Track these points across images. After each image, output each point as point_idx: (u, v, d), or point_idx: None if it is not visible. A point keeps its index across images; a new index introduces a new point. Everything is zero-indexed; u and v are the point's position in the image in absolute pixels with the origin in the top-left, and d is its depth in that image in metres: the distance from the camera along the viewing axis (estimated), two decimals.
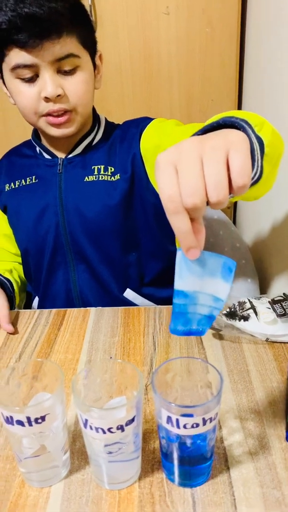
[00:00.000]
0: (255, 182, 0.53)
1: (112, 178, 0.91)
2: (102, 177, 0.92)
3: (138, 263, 0.98)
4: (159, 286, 1.01)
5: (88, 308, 0.88)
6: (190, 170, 0.40)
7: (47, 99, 0.82)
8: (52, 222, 0.94)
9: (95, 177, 0.92)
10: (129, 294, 0.97)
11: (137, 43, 1.44)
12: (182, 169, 0.40)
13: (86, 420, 0.47)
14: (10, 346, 0.78)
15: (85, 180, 0.92)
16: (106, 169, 0.92)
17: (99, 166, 0.92)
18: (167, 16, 1.41)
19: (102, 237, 0.94)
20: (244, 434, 0.59)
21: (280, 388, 0.66)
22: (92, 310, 0.87)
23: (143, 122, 0.93)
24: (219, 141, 0.41)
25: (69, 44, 0.80)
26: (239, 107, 1.52)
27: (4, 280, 0.95)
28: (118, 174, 0.91)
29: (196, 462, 0.52)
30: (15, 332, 0.82)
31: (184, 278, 0.44)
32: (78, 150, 0.94)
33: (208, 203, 0.41)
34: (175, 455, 0.51)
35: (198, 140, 0.42)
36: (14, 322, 0.84)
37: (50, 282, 1.00)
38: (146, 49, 1.45)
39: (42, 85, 0.81)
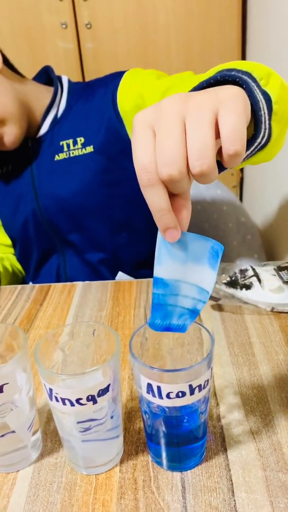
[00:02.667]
0: (263, 146, 0.45)
1: (84, 150, 0.82)
2: (72, 153, 0.82)
3: (129, 244, 0.90)
4: (153, 266, 0.93)
5: (75, 282, 0.80)
6: (168, 134, 0.32)
7: None
8: (28, 210, 0.86)
9: (66, 154, 0.83)
10: (121, 277, 0.89)
11: (131, 10, 1.37)
12: (159, 133, 0.33)
13: (51, 390, 0.39)
14: None
15: (55, 159, 0.83)
16: (75, 142, 0.82)
17: (67, 141, 0.83)
18: None
19: (85, 219, 0.85)
20: (245, 411, 0.51)
21: (286, 361, 0.57)
22: (79, 284, 0.79)
23: (113, 80, 0.83)
24: (207, 98, 0.33)
25: None
26: None
27: None
28: (91, 146, 0.82)
29: (186, 442, 0.44)
30: None
31: (164, 264, 0.37)
32: (44, 128, 0.85)
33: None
34: (161, 434, 0.43)
35: (182, 97, 0.34)
36: None
37: (41, 269, 0.94)
38: (141, 16, 1.38)
39: None
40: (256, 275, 0.70)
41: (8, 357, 0.47)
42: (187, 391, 0.39)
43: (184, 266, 0.37)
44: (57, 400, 0.40)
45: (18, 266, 0.99)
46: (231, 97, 0.33)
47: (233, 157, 0.32)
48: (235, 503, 0.41)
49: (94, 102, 0.83)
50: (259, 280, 0.69)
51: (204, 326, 0.42)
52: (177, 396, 0.39)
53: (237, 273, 0.72)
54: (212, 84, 0.42)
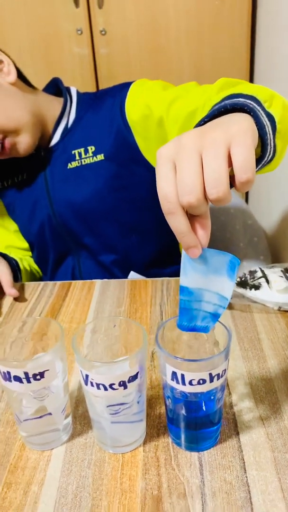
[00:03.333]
0: (269, 162, 0.50)
1: (95, 158, 0.86)
2: (84, 161, 0.87)
3: (140, 246, 0.95)
4: (164, 265, 0.98)
5: (94, 280, 0.86)
6: (187, 167, 0.37)
7: None
8: (44, 215, 0.91)
9: (78, 163, 0.87)
10: (133, 276, 0.95)
11: (145, 17, 1.42)
12: (179, 166, 0.38)
13: (87, 376, 0.45)
14: (13, 316, 0.76)
15: (68, 167, 0.88)
16: (86, 151, 0.87)
17: (79, 150, 0.87)
18: None
19: (97, 223, 0.90)
20: (255, 400, 0.56)
21: None
22: (98, 282, 0.85)
23: (121, 91, 0.87)
24: (220, 134, 0.38)
25: None
26: (251, 82, 1.49)
27: (9, 257, 0.94)
28: (102, 154, 0.86)
29: (203, 425, 0.49)
30: (21, 299, 0.80)
31: (188, 275, 0.42)
32: (56, 138, 0.89)
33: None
34: (181, 418, 0.48)
35: (198, 133, 0.39)
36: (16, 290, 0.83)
37: (57, 270, 0.99)
38: (154, 24, 1.42)
39: None
40: (264, 276, 0.75)
41: (47, 347, 0.52)
42: (207, 378, 0.44)
43: (206, 277, 0.42)
44: (92, 385, 0.45)
45: (35, 266, 1.04)
46: (241, 132, 0.38)
47: (244, 184, 0.37)
48: (247, 479, 0.46)
49: (103, 112, 0.87)
50: (267, 281, 0.74)
51: (222, 323, 0.47)
52: (198, 383, 0.44)
53: (246, 274, 0.77)
54: (223, 112, 0.47)
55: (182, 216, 0.38)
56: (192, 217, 0.40)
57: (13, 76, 0.82)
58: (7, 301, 0.80)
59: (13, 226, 1.00)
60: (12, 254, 0.99)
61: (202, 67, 1.46)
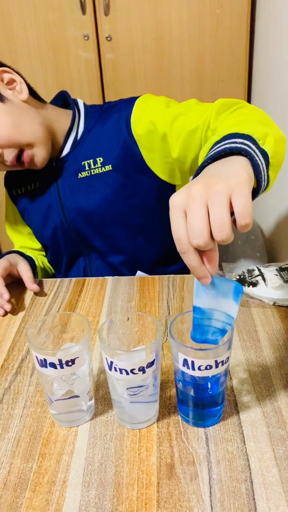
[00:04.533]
0: (264, 189, 0.57)
1: (103, 169, 0.93)
2: (94, 171, 0.93)
3: (146, 247, 1.02)
4: (167, 264, 1.05)
5: (106, 277, 0.93)
6: (196, 215, 0.45)
7: None
8: (57, 221, 0.99)
9: (88, 173, 0.94)
10: (140, 275, 1.02)
11: (149, 25, 1.48)
12: (189, 214, 0.46)
13: (111, 362, 0.53)
14: (34, 310, 0.84)
15: (79, 177, 0.94)
16: (95, 162, 0.93)
17: (88, 161, 0.93)
18: None
19: (106, 228, 0.97)
20: (253, 384, 0.64)
21: (286, 345, 0.71)
22: (110, 278, 0.93)
23: (126, 106, 0.93)
24: (222, 186, 0.45)
25: None
26: (249, 88, 1.56)
27: (26, 255, 1.01)
28: (110, 165, 0.92)
29: (209, 405, 0.57)
30: (41, 294, 0.88)
31: (201, 298, 0.51)
32: (66, 149, 0.95)
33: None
34: (190, 398, 0.57)
35: (204, 185, 0.46)
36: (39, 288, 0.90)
37: (70, 270, 1.07)
38: (158, 31, 1.48)
39: None
40: (261, 274, 0.83)
41: (74, 338, 0.60)
42: (213, 365, 0.52)
43: (215, 299, 0.51)
44: (115, 370, 0.53)
45: (48, 264, 1.12)
46: (240, 184, 0.46)
47: (244, 227, 0.45)
48: (246, 449, 0.55)
49: (110, 125, 0.93)
50: (264, 279, 0.82)
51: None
52: (206, 368, 0.52)
53: (245, 272, 0.85)
54: (222, 153, 0.53)
55: (194, 254, 0.47)
56: (202, 251, 0.48)
57: (25, 94, 0.88)
58: (28, 296, 0.88)
59: (26, 229, 1.08)
60: (27, 252, 1.06)
61: (203, 72, 1.53)
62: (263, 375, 0.66)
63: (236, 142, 0.54)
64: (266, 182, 0.55)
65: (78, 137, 0.95)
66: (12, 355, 0.73)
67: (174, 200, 0.47)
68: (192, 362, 0.52)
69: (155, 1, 1.44)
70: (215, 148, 0.55)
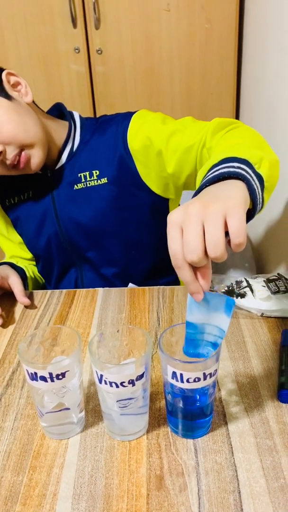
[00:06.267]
0: (258, 212, 0.59)
1: (99, 181, 0.94)
2: (89, 183, 0.94)
3: (139, 260, 1.03)
4: (160, 276, 1.06)
5: (96, 288, 0.94)
6: (192, 232, 0.47)
7: None
8: (51, 232, 1.00)
9: (83, 184, 0.95)
10: (131, 287, 1.03)
11: (139, 39, 1.50)
12: (185, 231, 0.47)
13: (101, 376, 0.54)
14: (25, 323, 0.85)
15: (75, 188, 0.96)
16: (91, 175, 0.94)
17: (84, 174, 0.94)
18: (168, 13, 1.46)
19: (100, 239, 0.99)
20: (241, 395, 0.65)
21: (273, 356, 0.72)
22: (100, 290, 0.94)
23: (123, 120, 0.94)
24: (219, 207, 0.47)
25: None
26: (237, 101, 1.58)
27: (17, 266, 1.02)
28: (105, 178, 0.93)
29: (198, 417, 0.58)
30: (31, 306, 0.88)
31: (194, 313, 0.53)
32: (62, 160, 0.96)
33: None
34: (179, 410, 0.58)
35: (201, 205, 0.48)
36: (30, 301, 0.91)
37: (61, 281, 1.08)
38: (147, 45, 1.51)
39: None
40: (249, 286, 0.85)
41: (64, 351, 0.61)
42: (201, 377, 0.53)
43: (207, 313, 0.52)
44: (105, 383, 0.54)
45: (38, 274, 1.12)
46: (235, 206, 0.47)
47: (237, 246, 0.47)
48: (234, 460, 0.56)
49: (107, 139, 0.95)
50: (252, 290, 0.84)
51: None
52: (194, 380, 0.53)
53: (233, 284, 0.86)
54: (220, 179, 0.55)
55: (188, 270, 0.48)
56: (196, 268, 0.49)
57: (30, 97, 0.91)
58: (19, 308, 0.89)
59: (17, 238, 1.08)
60: (18, 263, 1.07)
61: (192, 85, 1.56)
62: (251, 386, 0.67)
63: (233, 167, 0.55)
64: (261, 204, 0.57)
65: (74, 148, 0.97)
66: (3, 368, 0.73)
67: (172, 217, 0.49)
68: (181, 375, 0.53)
69: (145, 15, 1.47)
70: (213, 171, 0.57)
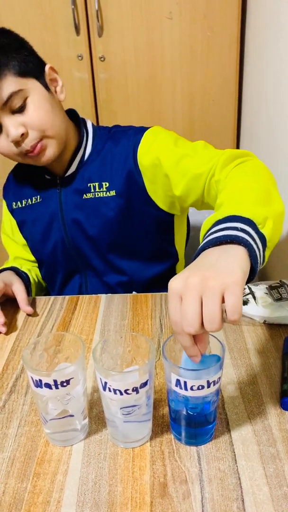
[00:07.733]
0: (259, 269, 0.59)
1: (108, 193, 0.95)
2: (98, 194, 0.95)
3: (143, 270, 1.04)
4: (162, 285, 1.07)
5: (99, 294, 0.95)
6: (189, 306, 0.49)
7: (16, 142, 0.86)
8: (57, 238, 1.00)
9: (92, 195, 0.96)
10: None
11: (141, 46, 1.52)
12: (184, 303, 0.49)
13: (106, 383, 0.54)
14: (28, 329, 0.85)
15: (83, 197, 0.96)
16: (101, 186, 0.95)
17: (94, 184, 0.95)
18: (170, 21, 1.48)
19: (105, 249, 1.00)
20: (244, 402, 0.66)
21: (276, 364, 0.73)
22: (103, 296, 0.94)
23: (135, 135, 0.94)
24: (217, 283, 0.48)
25: (7, 85, 0.82)
26: (239, 108, 1.59)
27: (21, 272, 1.02)
28: (114, 190, 0.94)
29: (201, 424, 0.58)
30: (34, 313, 0.89)
31: (188, 366, 0.55)
32: (73, 168, 0.96)
33: None
34: (183, 418, 0.58)
35: (201, 278, 0.49)
36: (31, 307, 0.91)
37: (65, 287, 1.08)
38: (150, 52, 1.52)
39: (5, 131, 0.86)
40: (251, 293, 0.85)
41: (68, 358, 0.61)
42: (205, 385, 0.54)
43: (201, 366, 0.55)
44: (109, 390, 0.54)
45: (40, 277, 1.13)
46: (233, 283, 0.48)
47: (233, 321, 0.49)
48: (237, 468, 0.56)
49: (118, 151, 0.95)
50: (254, 298, 0.84)
51: (217, 338, 0.57)
52: (198, 388, 0.54)
53: None
54: (222, 242, 0.54)
55: (186, 336, 0.51)
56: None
57: (63, 96, 0.93)
58: (22, 314, 0.89)
59: (22, 240, 1.09)
60: (22, 266, 1.07)
61: (194, 92, 1.56)
62: (254, 393, 0.67)
63: (237, 229, 0.55)
64: (262, 263, 0.57)
65: (86, 156, 0.97)
66: (7, 374, 0.74)
67: (172, 286, 0.51)
68: (185, 383, 0.53)
69: (148, 23, 1.48)
70: (216, 229, 0.56)
